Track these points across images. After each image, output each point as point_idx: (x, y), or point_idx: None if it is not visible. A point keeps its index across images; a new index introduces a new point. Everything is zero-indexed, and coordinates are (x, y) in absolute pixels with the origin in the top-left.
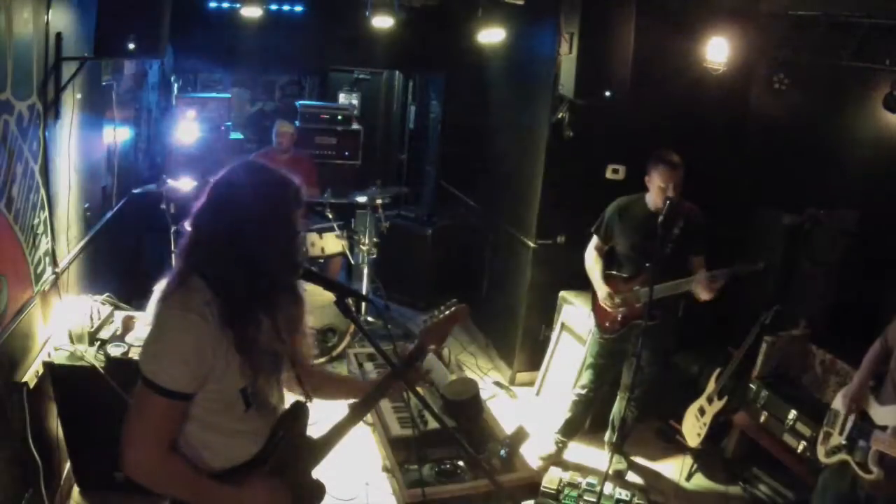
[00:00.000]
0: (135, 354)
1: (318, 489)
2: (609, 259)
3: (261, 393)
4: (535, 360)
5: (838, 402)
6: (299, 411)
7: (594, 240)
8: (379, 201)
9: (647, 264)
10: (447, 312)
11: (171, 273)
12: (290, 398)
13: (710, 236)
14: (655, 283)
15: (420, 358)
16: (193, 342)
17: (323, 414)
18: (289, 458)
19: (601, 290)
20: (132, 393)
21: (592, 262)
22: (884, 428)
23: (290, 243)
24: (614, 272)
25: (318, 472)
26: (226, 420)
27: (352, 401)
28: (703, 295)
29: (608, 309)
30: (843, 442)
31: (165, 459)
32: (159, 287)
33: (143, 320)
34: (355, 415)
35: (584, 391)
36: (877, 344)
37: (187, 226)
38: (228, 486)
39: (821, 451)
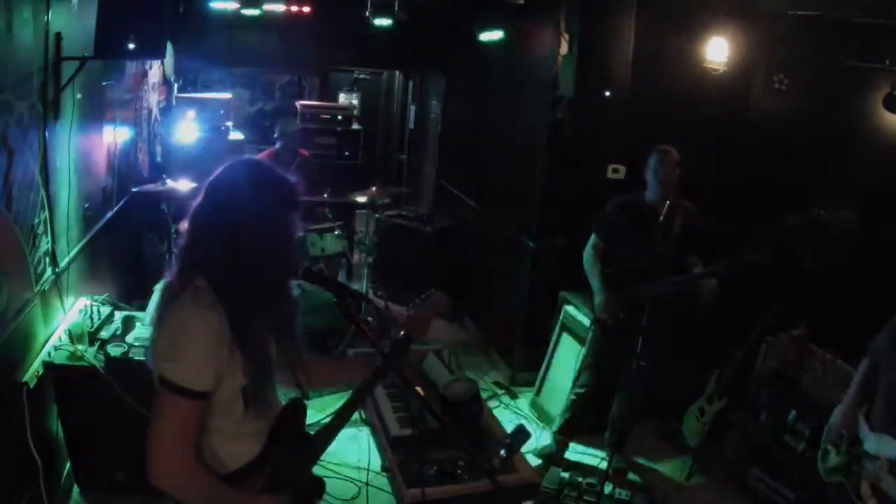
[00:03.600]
0: (135, 354)
1: (318, 485)
2: (608, 257)
3: (259, 393)
4: (535, 360)
5: (836, 418)
6: (297, 409)
7: (593, 238)
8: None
9: (646, 261)
10: (427, 301)
11: (172, 273)
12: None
13: (710, 236)
14: (655, 282)
15: (404, 347)
16: (214, 338)
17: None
18: (289, 457)
19: (600, 296)
20: (154, 401)
21: (592, 262)
22: (875, 458)
23: (286, 243)
24: (614, 269)
25: (316, 472)
26: (225, 422)
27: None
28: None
29: (606, 317)
30: (840, 464)
31: (194, 464)
32: (161, 288)
33: (144, 320)
34: (349, 409)
35: (583, 390)
36: (865, 363)
37: (185, 225)
38: (252, 497)
39: (821, 469)
